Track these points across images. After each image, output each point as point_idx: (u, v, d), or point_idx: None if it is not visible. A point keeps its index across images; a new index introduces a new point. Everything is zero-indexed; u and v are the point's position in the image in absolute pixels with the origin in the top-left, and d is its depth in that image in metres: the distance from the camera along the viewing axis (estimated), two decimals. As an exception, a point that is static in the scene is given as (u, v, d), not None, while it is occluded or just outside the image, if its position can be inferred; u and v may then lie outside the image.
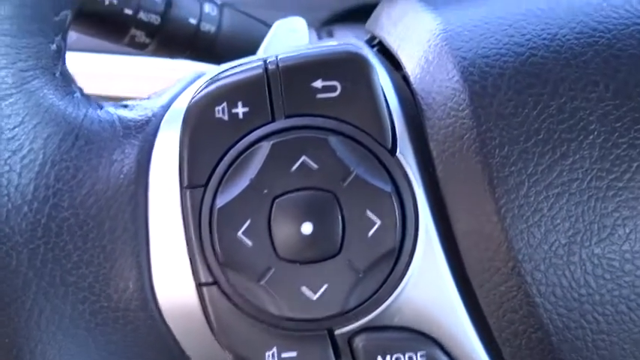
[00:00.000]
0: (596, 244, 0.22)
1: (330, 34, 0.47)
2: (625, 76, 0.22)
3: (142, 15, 0.37)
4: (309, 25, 0.56)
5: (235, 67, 0.26)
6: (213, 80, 0.23)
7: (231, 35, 0.41)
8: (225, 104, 0.22)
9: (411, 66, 0.25)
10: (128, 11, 0.36)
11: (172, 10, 0.38)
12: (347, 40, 0.29)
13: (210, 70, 0.27)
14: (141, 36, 0.37)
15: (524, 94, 0.22)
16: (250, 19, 0.43)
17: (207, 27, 0.39)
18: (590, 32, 0.23)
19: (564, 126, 0.22)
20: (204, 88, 0.23)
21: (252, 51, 0.39)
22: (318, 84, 0.22)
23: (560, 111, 0.22)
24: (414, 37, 0.25)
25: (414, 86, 0.24)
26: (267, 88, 0.23)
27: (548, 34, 0.23)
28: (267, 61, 0.23)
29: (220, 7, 0.41)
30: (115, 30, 0.37)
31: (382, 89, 0.24)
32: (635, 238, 0.22)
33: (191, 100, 0.23)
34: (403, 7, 0.28)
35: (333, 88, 0.22)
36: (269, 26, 0.46)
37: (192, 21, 0.39)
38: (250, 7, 0.58)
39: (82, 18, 0.36)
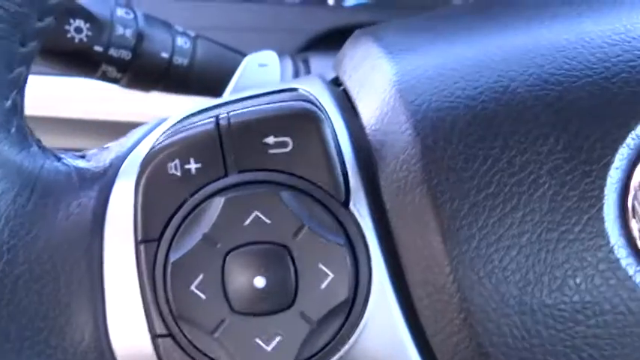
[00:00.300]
0: (547, 295, 0.22)
1: (306, 62, 0.47)
2: (575, 128, 0.22)
3: (112, 51, 0.37)
4: (286, 51, 0.56)
5: (191, 115, 0.26)
6: (167, 135, 0.24)
7: (204, 67, 0.41)
8: (177, 160, 0.23)
9: (367, 116, 0.25)
10: (98, 48, 0.36)
11: (143, 44, 0.38)
12: (311, 81, 0.29)
13: (172, 116, 0.27)
14: (112, 71, 0.38)
15: (475, 148, 0.22)
16: (224, 50, 0.43)
17: (180, 60, 0.39)
18: (542, 85, 0.23)
19: (514, 179, 0.22)
20: (158, 144, 0.23)
21: (226, 82, 0.39)
22: (270, 140, 0.23)
23: (511, 164, 0.22)
24: (372, 85, 0.26)
25: (369, 137, 0.24)
26: (219, 145, 0.23)
27: (500, 86, 0.23)
28: (219, 117, 0.23)
29: (194, 40, 0.41)
30: (85, 66, 0.37)
31: (337, 140, 0.24)
32: (585, 288, 0.22)
33: (144, 157, 0.23)
34: (364, 51, 0.28)
35: (284, 144, 0.23)
36: (244, 55, 0.46)
37: (164, 55, 0.39)
38: (229, 30, 0.58)
39: (52, 55, 0.36)
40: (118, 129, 0.55)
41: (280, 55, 0.48)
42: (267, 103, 0.24)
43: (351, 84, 0.27)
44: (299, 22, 0.59)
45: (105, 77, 0.38)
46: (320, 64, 0.47)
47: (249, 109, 0.23)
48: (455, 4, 0.68)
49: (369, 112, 0.25)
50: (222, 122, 0.23)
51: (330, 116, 0.25)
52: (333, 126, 0.24)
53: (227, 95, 0.37)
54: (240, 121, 0.23)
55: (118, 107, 0.52)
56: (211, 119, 0.23)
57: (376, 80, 0.25)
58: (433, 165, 0.22)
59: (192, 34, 0.41)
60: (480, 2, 0.30)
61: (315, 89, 0.28)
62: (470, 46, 0.26)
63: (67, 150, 0.52)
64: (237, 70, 0.39)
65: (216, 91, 0.38)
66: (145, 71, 0.39)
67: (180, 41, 0.40)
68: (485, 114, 0.23)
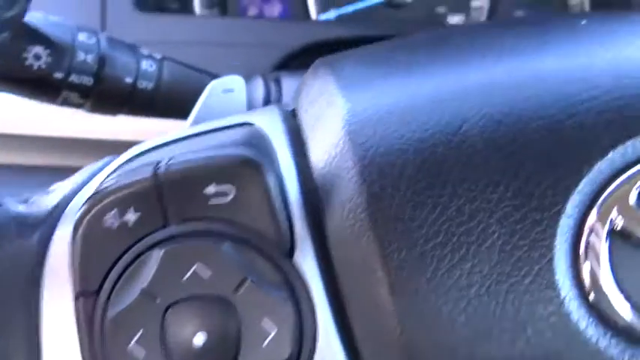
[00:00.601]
0: (497, 349, 0.21)
1: (278, 82, 0.46)
2: (527, 174, 0.22)
3: (73, 77, 0.36)
4: (265, 65, 0.55)
5: (138, 156, 0.25)
6: (108, 182, 0.23)
7: (171, 90, 0.40)
8: (116, 210, 0.22)
9: (317, 157, 0.24)
10: (58, 75, 0.36)
11: (106, 69, 0.37)
12: (269, 115, 0.28)
13: (120, 156, 0.26)
14: (74, 97, 0.37)
15: (423, 196, 0.22)
16: (192, 71, 0.42)
17: (145, 84, 0.39)
18: (494, 126, 0.22)
19: (463, 228, 0.21)
20: (98, 191, 0.23)
21: (194, 104, 0.38)
22: (211, 189, 0.22)
23: (460, 213, 0.22)
24: (324, 123, 0.25)
25: (318, 181, 0.24)
26: (158, 195, 0.22)
27: (452, 128, 0.23)
28: (159, 165, 0.22)
29: (160, 62, 0.40)
30: (45, 93, 0.36)
31: (284, 185, 0.23)
32: (536, 342, 0.21)
33: (82, 206, 0.22)
34: (321, 85, 0.27)
35: (226, 193, 0.22)
36: (212, 75, 0.45)
37: (128, 80, 0.38)
38: (207, 45, 0.57)
39: (10, 82, 0.35)
40: (89, 146, 0.55)
41: (251, 74, 0.47)
42: (211, 149, 0.23)
43: (306, 119, 0.27)
44: (279, 36, 0.58)
45: (67, 103, 0.37)
46: (292, 83, 0.46)
47: (190, 156, 0.23)
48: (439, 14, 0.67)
49: (319, 153, 0.24)
50: (162, 171, 0.22)
51: (281, 156, 0.25)
52: (280, 169, 0.24)
53: (189, 122, 0.36)
54: (180, 170, 0.22)
55: (88, 124, 0.51)
56: (150, 168, 0.22)
57: (329, 118, 0.25)
58: (379, 214, 0.22)
59: (159, 56, 0.41)
60: (441, 31, 0.29)
61: (271, 124, 0.27)
62: (425, 82, 0.25)
63: (34, 167, 0.51)
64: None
65: (184, 113, 0.37)
66: (109, 96, 0.38)
67: (145, 64, 0.39)
68: (434, 159, 0.22)
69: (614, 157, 0.21)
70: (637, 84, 0.22)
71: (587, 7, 0.69)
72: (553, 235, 0.21)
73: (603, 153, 0.21)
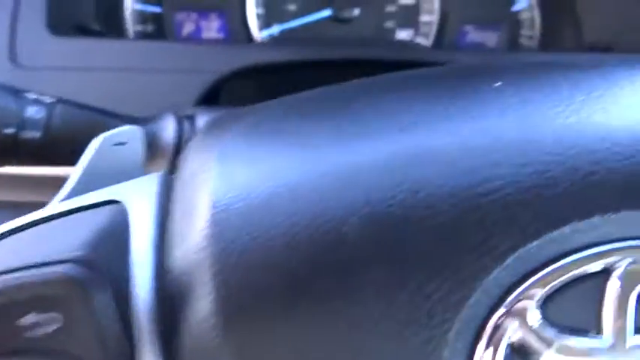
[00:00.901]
0: None
1: (192, 119, 0.42)
2: (415, 285, 0.18)
3: (-61, 132, 0.32)
4: (187, 97, 0.51)
5: None
6: None
7: (62, 137, 0.36)
8: None
9: (177, 258, 0.20)
10: None
11: (-19, 121, 0.33)
12: (146, 187, 0.24)
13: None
14: (-56, 153, 0.33)
15: (290, 314, 0.18)
16: (91, 113, 0.38)
17: (30, 134, 0.34)
18: (379, 227, 0.19)
19: (339, 350, 0.18)
20: None
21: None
22: (30, 319, 0.18)
23: (335, 331, 0.18)
24: (191, 215, 0.21)
25: (173, 289, 0.20)
26: None
27: (329, 230, 0.19)
28: None
29: (49, 107, 0.36)
30: None
31: (132, 295, 0.19)
32: None
33: None
34: (204, 159, 0.23)
35: (49, 322, 0.18)
36: (115, 117, 0.41)
37: (9, 130, 0.34)
38: (130, 71, 0.53)
39: None
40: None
41: (164, 112, 0.43)
42: (38, 266, 0.19)
43: (179, 201, 0.23)
44: (210, 61, 0.54)
45: (-63, 158, 0.33)
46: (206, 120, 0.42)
47: (7, 277, 0.19)
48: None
49: (179, 255, 0.20)
50: None
51: (138, 254, 0.21)
52: (132, 273, 0.20)
53: (71, 182, 0.32)
54: None
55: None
56: None
57: (196, 209, 0.21)
58: (237, 338, 0.18)
59: (49, 100, 0.36)
60: (343, 89, 0.25)
61: (140, 204, 0.23)
62: (309, 165, 0.21)
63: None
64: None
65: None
66: (-13, 150, 0.34)
67: (31, 111, 0.35)
68: (307, 269, 0.18)
69: (514, 263, 0.18)
70: (544, 171, 0.19)
71: (537, 22, 0.67)
72: (440, 359, 0.18)
73: (501, 259, 0.18)
